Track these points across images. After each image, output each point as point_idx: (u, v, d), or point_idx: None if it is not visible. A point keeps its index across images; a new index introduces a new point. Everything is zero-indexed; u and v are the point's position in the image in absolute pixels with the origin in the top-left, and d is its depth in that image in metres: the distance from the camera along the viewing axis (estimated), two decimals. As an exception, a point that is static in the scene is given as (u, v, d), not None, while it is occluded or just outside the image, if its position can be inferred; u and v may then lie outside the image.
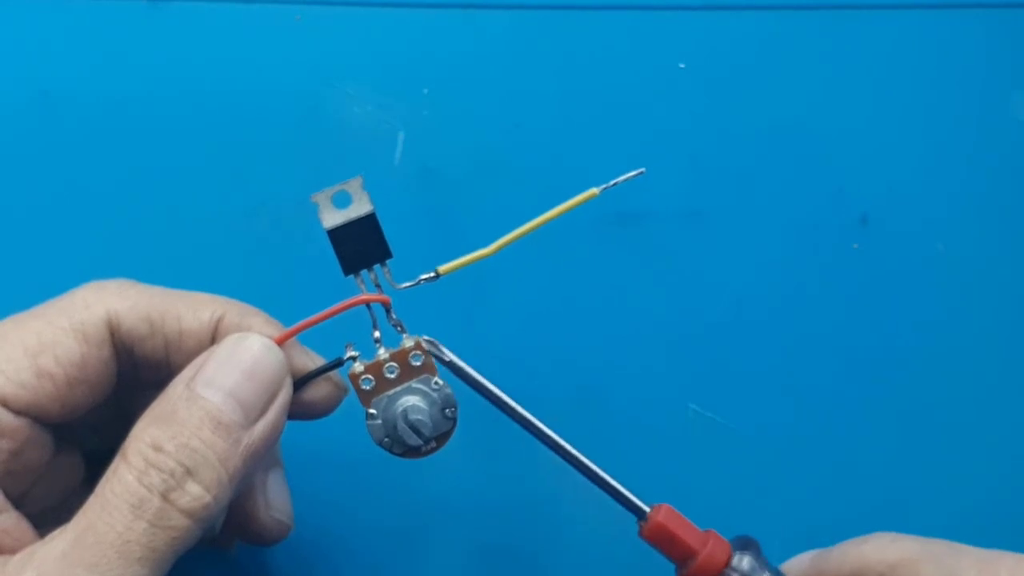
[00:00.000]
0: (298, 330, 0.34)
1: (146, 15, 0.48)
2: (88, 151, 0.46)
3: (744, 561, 0.34)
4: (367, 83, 0.48)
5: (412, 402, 0.35)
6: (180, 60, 0.48)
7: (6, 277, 0.45)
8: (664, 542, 0.35)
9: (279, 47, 0.48)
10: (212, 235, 0.46)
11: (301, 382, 0.35)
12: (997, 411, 0.45)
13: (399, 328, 0.35)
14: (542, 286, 0.46)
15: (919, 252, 0.47)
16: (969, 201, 0.48)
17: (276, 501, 0.37)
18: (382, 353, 0.35)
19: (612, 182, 0.36)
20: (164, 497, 0.30)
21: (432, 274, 0.35)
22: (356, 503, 0.43)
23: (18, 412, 0.33)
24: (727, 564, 0.34)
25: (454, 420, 0.36)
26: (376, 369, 0.35)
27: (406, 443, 0.35)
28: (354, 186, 0.35)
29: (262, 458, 0.33)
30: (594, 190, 0.36)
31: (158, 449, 0.31)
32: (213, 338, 0.34)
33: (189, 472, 0.30)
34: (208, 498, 0.31)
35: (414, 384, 0.35)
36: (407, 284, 0.35)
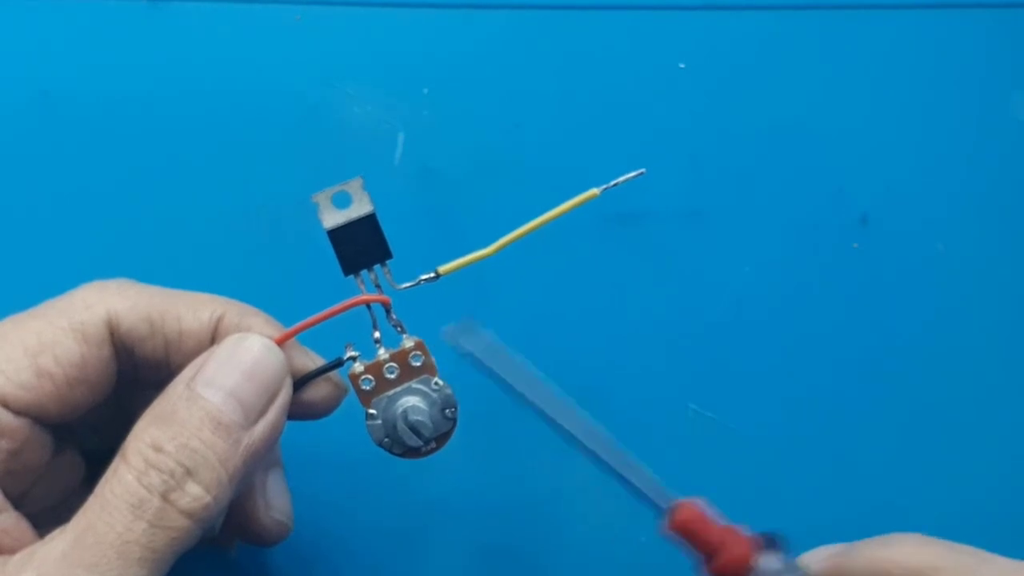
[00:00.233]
0: (298, 330, 0.34)
1: (146, 15, 0.48)
2: (88, 151, 0.46)
3: (770, 559, 0.34)
4: (367, 83, 0.48)
5: (412, 403, 0.35)
6: (180, 60, 0.48)
7: (6, 277, 0.45)
8: (689, 536, 0.34)
9: (279, 47, 0.48)
10: (212, 235, 0.46)
11: (301, 382, 0.35)
12: (997, 411, 0.45)
13: (399, 328, 0.35)
14: (542, 286, 0.46)
15: (919, 252, 0.47)
16: (969, 201, 0.48)
17: (276, 501, 0.37)
18: (382, 353, 0.35)
19: (613, 183, 0.36)
20: (164, 497, 0.30)
21: (432, 274, 0.35)
22: (356, 503, 0.43)
23: (18, 412, 0.32)
24: (752, 562, 0.34)
25: (454, 420, 0.36)
26: (376, 369, 0.35)
27: (406, 444, 0.35)
28: (354, 186, 0.35)
29: (262, 458, 0.33)
30: (595, 190, 0.36)
31: (158, 449, 0.31)
32: (213, 338, 0.34)
33: (189, 472, 0.30)
34: (208, 499, 0.31)
35: (414, 384, 0.35)
36: (407, 284, 0.35)
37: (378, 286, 0.35)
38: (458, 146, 0.47)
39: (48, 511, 0.35)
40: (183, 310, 0.34)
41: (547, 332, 0.46)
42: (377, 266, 0.35)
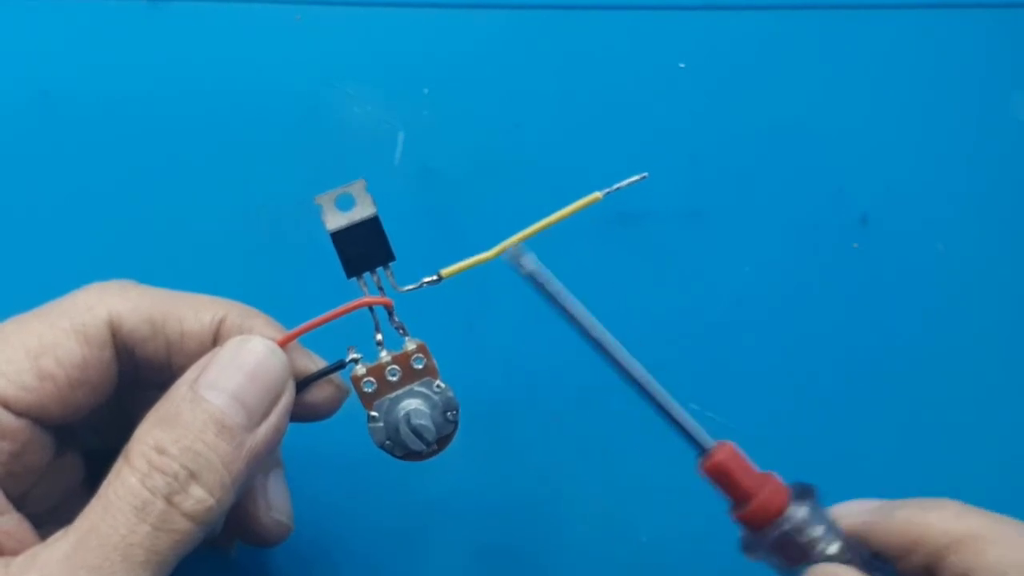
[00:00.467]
0: (300, 332, 0.34)
1: (146, 15, 0.48)
2: (88, 151, 0.46)
3: (801, 510, 0.33)
4: (367, 83, 0.48)
5: (414, 405, 0.35)
6: (180, 60, 0.48)
7: (6, 277, 0.45)
8: (722, 480, 0.34)
9: (279, 47, 0.48)
10: (213, 236, 0.46)
11: (303, 384, 0.35)
12: (997, 411, 0.45)
13: (401, 331, 0.35)
14: (543, 286, 0.46)
15: (919, 252, 0.47)
16: (969, 201, 0.48)
17: (276, 502, 0.37)
18: (384, 356, 0.35)
19: (615, 186, 0.36)
20: (167, 500, 0.30)
21: (435, 277, 0.35)
22: (356, 504, 0.43)
23: (19, 413, 0.32)
24: (783, 511, 0.33)
25: (455, 423, 0.36)
26: (378, 372, 0.35)
27: (408, 447, 0.35)
28: (357, 189, 0.35)
29: (264, 460, 0.33)
30: (597, 194, 0.35)
31: (161, 452, 0.31)
32: (215, 340, 0.34)
33: (193, 475, 0.30)
34: (211, 501, 0.31)
35: (416, 387, 0.35)
36: (410, 287, 0.35)
37: (380, 288, 0.35)
38: (458, 146, 0.47)
39: (49, 512, 0.35)
40: (185, 312, 0.34)
41: (547, 332, 0.46)
42: (380, 268, 0.35)
